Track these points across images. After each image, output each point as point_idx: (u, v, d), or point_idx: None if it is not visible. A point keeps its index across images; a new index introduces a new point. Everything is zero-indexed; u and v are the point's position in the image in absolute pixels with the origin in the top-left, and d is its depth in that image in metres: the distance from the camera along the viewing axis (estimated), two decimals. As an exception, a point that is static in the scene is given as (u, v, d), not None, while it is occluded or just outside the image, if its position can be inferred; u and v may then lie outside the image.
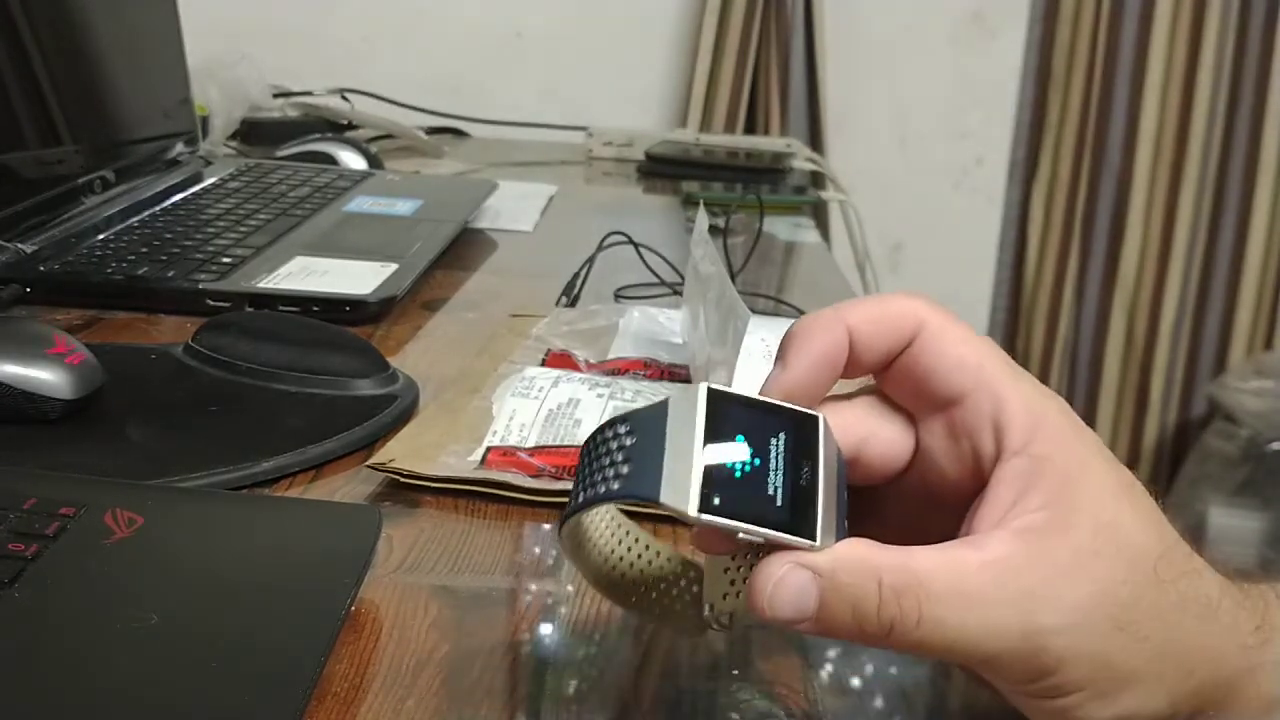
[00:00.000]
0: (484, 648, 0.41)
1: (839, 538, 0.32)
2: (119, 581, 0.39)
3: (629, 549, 0.39)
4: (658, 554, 0.39)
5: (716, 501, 0.31)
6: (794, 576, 0.31)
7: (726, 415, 0.32)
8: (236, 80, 1.36)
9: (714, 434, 0.32)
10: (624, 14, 1.82)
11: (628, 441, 0.33)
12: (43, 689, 0.34)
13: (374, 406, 0.59)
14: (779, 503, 0.31)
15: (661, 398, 0.33)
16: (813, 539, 0.31)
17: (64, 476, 0.47)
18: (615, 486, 0.32)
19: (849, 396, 0.37)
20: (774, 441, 0.32)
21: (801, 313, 0.83)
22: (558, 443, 0.55)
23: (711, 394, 0.32)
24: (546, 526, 0.51)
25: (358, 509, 0.49)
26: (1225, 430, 1.94)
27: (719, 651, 0.42)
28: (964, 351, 0.35)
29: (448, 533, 0.49)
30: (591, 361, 0.67)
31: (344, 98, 1.54)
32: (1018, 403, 0.34)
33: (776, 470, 0.32)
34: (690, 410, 0.32)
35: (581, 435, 0.55)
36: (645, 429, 0.33)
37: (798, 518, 0.31)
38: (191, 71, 1.14)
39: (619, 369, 0.66)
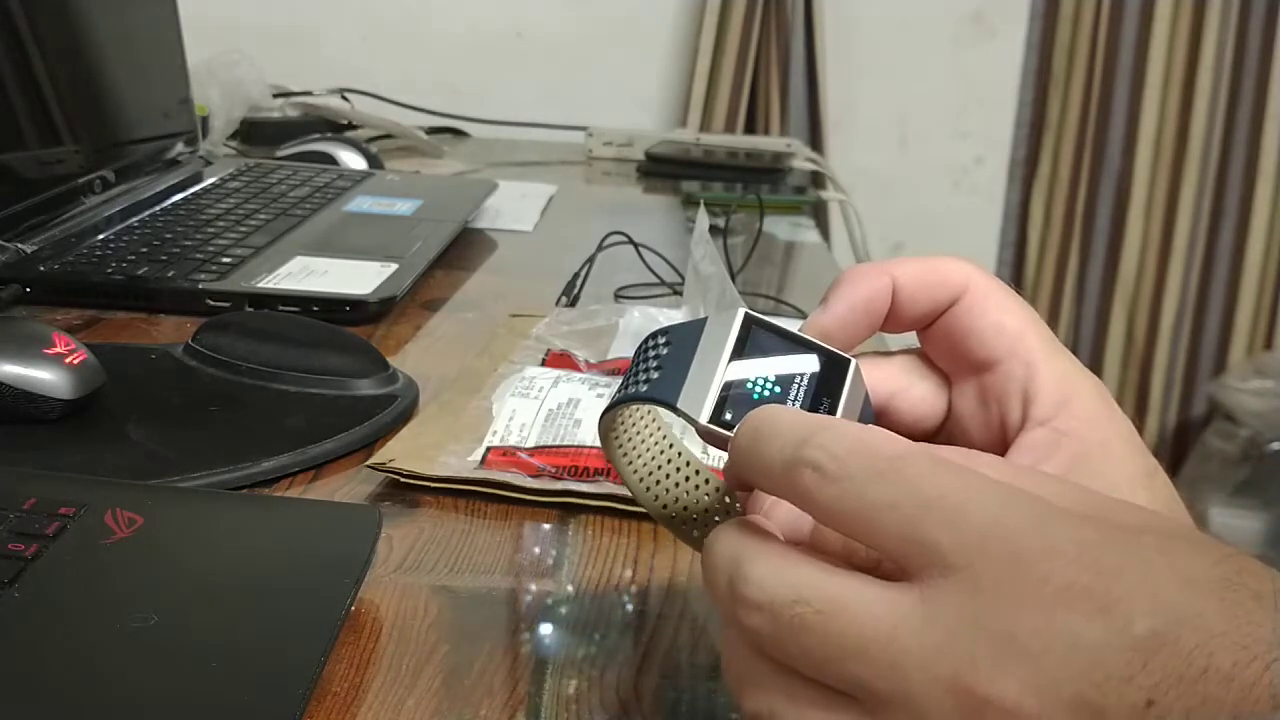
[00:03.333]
0: (484, 648, 0.41)
1: None
2: (119, 581, 0.39)
3: (670, 459, 0.39)
4: (706, 480, 0.39)
5: (728, 416, 0.32)
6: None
7: (758, 342, 0.33)
8: (236, 80, 1.36)
9: (741, 355, 0.33)
10: (624, 14, 1.82)
11: (664, 351, 0.34)
12: (43, 689, 0.34)
13: (374, 406, 0.59)
14: None
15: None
16: None
17: (64, 476, 0.47)
18: (643, 389, 0.34)
19: (889, 354, 0.37)
20: (799, 374, 0.33)
21: (802, 313, 0.83)
22: (558, 443, 0.55)
23: (748, 319, 0.34)
24: (546, 526, 0.51)
25: (358, 509, 0.49)
26: (1225, 430, 1.94)
27: (719, 651, 0.42)
28: (1005, 319, 0.35)
29: (448, 533, 0.49)
30: (591, 361, 0.67)
31: (344, 98, 1.54)
32: (1050, 376, 0.34)
33: (795, 401, 0.33)
34: (724, 331, 0.33)
35: (581, 435, 0.55)
36: (680, 342, 0.34)
37: None
38: (191, 71, 1.14)
39: (619, 369, 0.66)
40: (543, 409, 0.58)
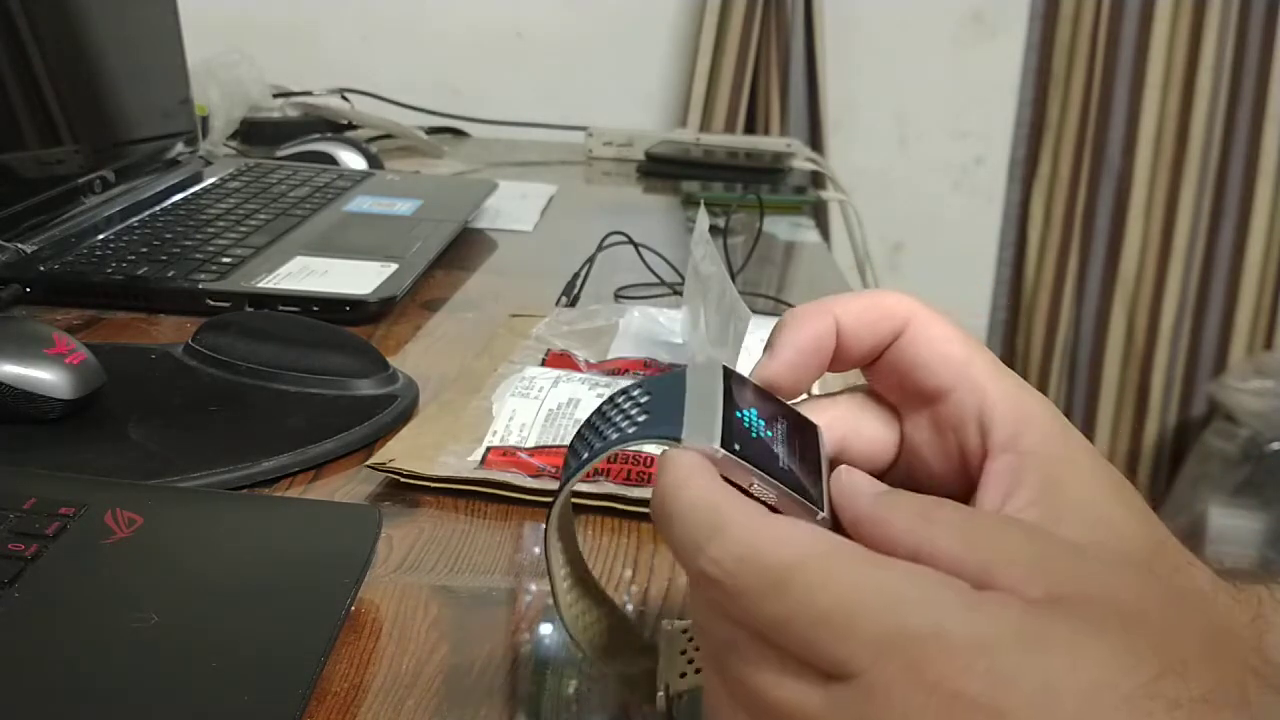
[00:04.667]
0: (484, 647, 0.41)
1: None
2: (119, 581, 0.39)
3: (585, 602, 0.38)
4: (621, 620, 0.38)
5: (737, 447, 0.31)
6: None
7: (741, 390, 0.33)
8: (236, 80, 1.36)
9: (729, 399, 0.33)
10: (624, 14, 1.82)
11: (643, 400, 0.33)
12: (43, 689, 0.34)
13: (374, 406, 0.59)
14: (789, 468, 0.32)
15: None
16: (820, 508, 0.32)
17: (64, 476, 0.47)
18: (631, 431, 0.32)
19: (834, 395, 0.37)
20: (779, 423, 0.33)
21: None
22: (558, 443, 0.55)
23: (727, 371, 0.34)
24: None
25: (358, 509, 0.49)
26: (1225, 430, 1.94)
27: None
28: (950, 348, 0.35)
29: (448, 533, 0.49)
30: (591, 361, 0.67)
31: (344, 98, 1.54)
32: (1002, 398, 0.34)
33: (781, 444, 0.33)
34: (712, 375, 0.33)
35: (581, 435, 0.55)
36: (662, 390, 0.33)
37: (806, 485, 0.32)
38: (191, 71, 1.14)
39: (619, 369, 0.66)
40: (543, 409, 0.58)
